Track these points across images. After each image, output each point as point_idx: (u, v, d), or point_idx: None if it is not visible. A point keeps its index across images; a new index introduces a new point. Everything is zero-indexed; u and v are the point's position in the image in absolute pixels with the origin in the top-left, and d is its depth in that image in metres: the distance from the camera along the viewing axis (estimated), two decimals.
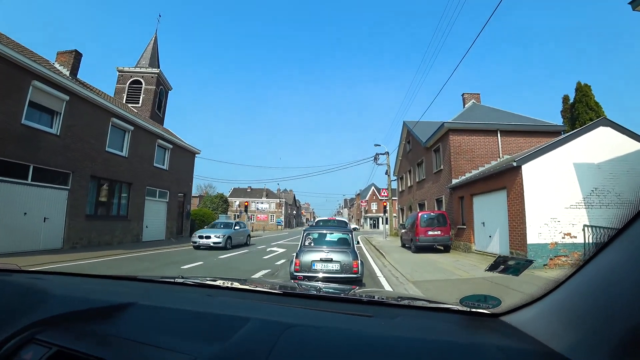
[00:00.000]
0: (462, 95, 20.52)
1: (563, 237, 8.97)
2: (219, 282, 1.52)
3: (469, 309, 1.05)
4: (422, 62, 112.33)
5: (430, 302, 1.41)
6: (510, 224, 9.90)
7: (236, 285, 1.50)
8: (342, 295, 1.52)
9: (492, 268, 1.14)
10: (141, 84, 21.34)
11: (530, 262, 1.11)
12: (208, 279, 1.63)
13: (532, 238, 8.95)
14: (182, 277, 1.58)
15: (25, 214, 10.38)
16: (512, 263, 1.10)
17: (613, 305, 0.63)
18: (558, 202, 9.07)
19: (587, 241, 8.81)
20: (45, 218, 11.10)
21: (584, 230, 8.85)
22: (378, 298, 1.65)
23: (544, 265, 8.86)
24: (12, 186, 10.02)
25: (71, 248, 11.87)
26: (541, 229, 8.97)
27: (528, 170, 9.24)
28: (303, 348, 0.82)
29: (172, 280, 1.50)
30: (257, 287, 1.51)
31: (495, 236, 11.14)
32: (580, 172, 9.20)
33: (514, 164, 9.30)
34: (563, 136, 10.09)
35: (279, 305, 1.14)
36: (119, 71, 21.61)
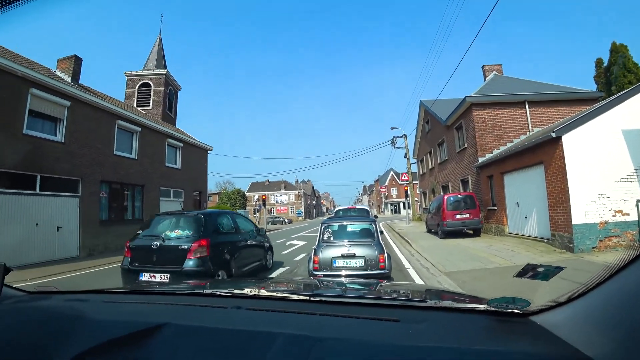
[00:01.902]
0: (482, 67, 19.09)
1: (614, 215, 7.93)
2: (246, 291, 1.59)
3: (497, 309, 1.03)
4: (437, 36, 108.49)
5: (456, 300, 1.48)
6: (550, 202, 8.90)
7: (262, 292, 1.55)
8: (367, 299, 1.53)
9: (521, 275, 1.16)
10: (150, 86, 20.99)
11: (561, 268, 1.09)
12: (234, 288, 1.69)
13: (577, 218, 7.94)
14: (211, 287, 1.69)
15: (37, 224, 10.15)
16: (541, 270, 1.12)
17: None
18: (606, 175, 7.99)
19: None
20: (58, 227, 10.88)
21: (637, 205, 7.82)
22: (404, 294, 1.76)
23: (593, 247, 7.88)
24: (21, 198, 9.77)
25: (88, 255, 11.67)
26: (588, 207, 7.95)
27: (569, 141, 8.17)
28: None
29: (201, 292, 1.58)
30: (282, 294, 1.54)
31: (532, 217, 10.15)
32: (630, 140, 8.07)
33: (553, 134, 8.24)
34: (607, 100, 8.92)
35: (305, 315, 1.16)
36: (127, 75, 21.33)
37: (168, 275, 5.23)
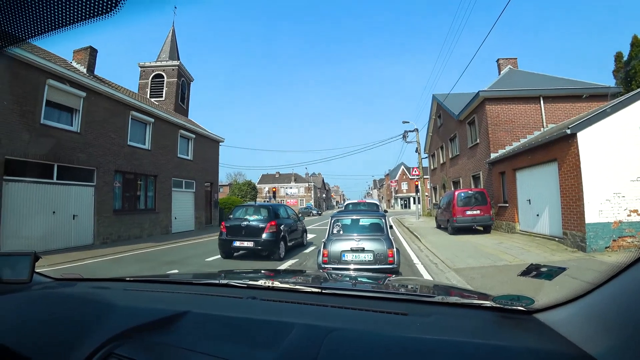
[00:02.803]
0: (497, 61, 18.72)
1: (629, 215, 7.77)
2: (260, 282, 1.63)
3: (502, 306, 1.05)
4: (452, 26, 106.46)
5: (463, 296, 1.49)
6: (563, 200, 8.77)
7: (276, 284, 1.58)
8: (377, 292, 1.56)
9: (524, 274, 1.17)
10: (163, 77, 21.09)
11: (563, 269, 1.11)
12: (249, 279, 1.74)
13: (591, 217, 7.81)
14: (226, 277, 1.73)
15: (54, 212, 10.44)
16: (545, 270, 1.12)
17: None
18: (622, 174, 7.82)
19: None
20: (74, 215, 11.17)
21: None
22: (412, 288, 1.77)
23: (606, 247, 7.76)
24: (38, 186, 10.04)
25: (102, 243, 11.96)
26: (602, 206, 7.81)
27: (585, 138, 8.01)
28: (343, 354, 0.86)
29: (218, 282, 1.62)
30: (295, 286, 1.57)
31: (544, 215, 10.03)
32: None
33: (568, 131, 8.07)
34: (625, 96, 8.67)
35: (318, 306, 1.19)
36: (141, 67, 21.44)
37: (252, 242, 8.29)
